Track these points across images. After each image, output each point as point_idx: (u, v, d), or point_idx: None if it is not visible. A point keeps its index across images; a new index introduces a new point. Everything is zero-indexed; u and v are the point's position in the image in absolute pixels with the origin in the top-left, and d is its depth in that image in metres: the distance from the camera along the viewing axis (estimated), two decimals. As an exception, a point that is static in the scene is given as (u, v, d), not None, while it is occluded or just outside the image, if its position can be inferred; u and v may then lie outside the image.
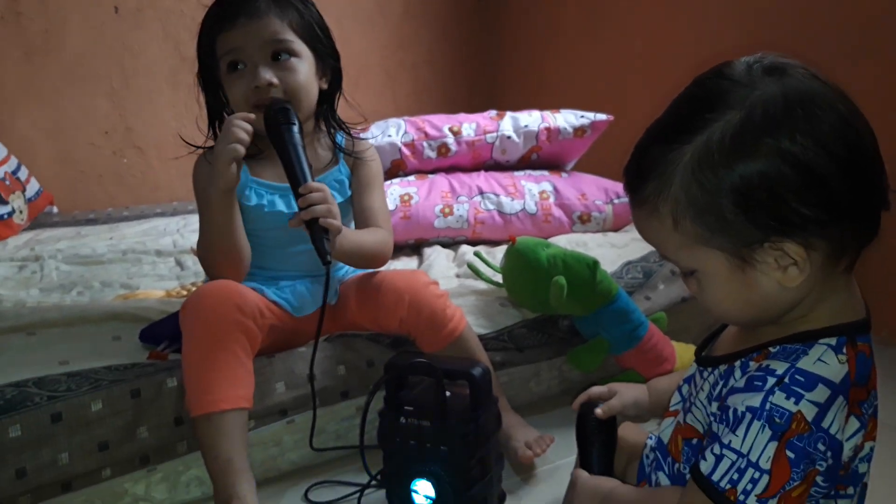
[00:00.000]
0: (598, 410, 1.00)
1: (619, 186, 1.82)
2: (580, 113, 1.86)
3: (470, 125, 1.82)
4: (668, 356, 1.37)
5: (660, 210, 0.73)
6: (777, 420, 0.69)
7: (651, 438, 1.00)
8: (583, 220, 1.78)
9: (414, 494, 1.04)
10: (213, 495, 1.03)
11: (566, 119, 1.85)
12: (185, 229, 2.07)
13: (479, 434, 1.02)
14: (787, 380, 0.70)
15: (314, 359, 1.14)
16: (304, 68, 1.17)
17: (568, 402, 1.07)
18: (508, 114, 1.86)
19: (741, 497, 0.70)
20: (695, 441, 0.83)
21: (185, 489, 1.14)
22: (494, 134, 1.82)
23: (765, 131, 0.67)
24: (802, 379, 0.69)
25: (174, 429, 1.10)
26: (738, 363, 0.77)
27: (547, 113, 1.87)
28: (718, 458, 0.72)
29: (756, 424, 0.70)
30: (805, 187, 0.67)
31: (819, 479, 0.70)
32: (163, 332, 1.27)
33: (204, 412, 1.03)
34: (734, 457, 0.71)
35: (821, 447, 0.69)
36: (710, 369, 0.82)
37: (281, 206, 1.22)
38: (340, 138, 1.30)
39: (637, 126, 0.79)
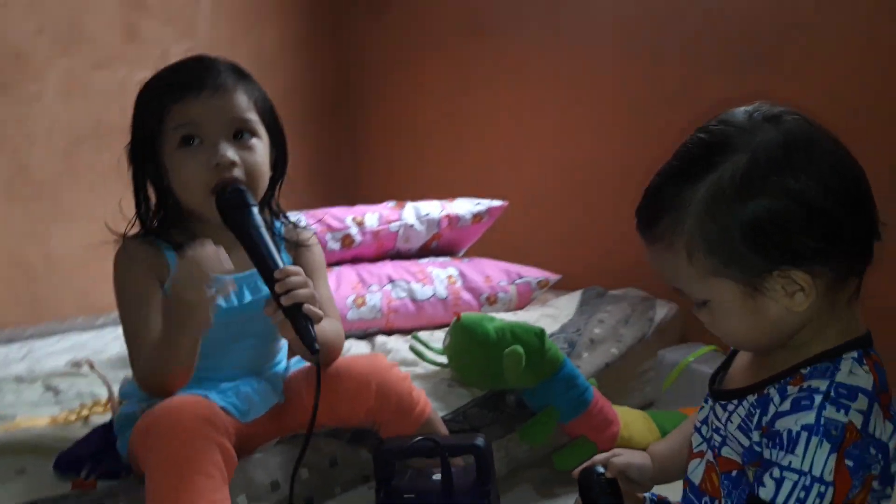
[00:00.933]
0: (602, 469, 1.00)
1: (516, 268, 1.89)
2: (476, 200, 1.94)
3: (373, 215, 1.82)
4: (613, 418, 1.40)
5: (675, 245, 0.79)
6: (833, 432, 0.72)
7: (653, 495, 1.02)
8: (490, 302, 1.81)
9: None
10: None
11: (464, 206, 1.91)
12: (31, 356, 1.80)
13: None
14: (832, 394, 0.74)
15: (303, 456, 1.00)
16: (262, 150, 1.10)
17: (517, 482, 1.05)
18: (408, 203, 1.89)
19: None
20: (734, 473, 0.85)
21: None
22: (398, 223, 1.83)
23: (770, 171, 0.75)
24: (845, 391, 0.74)
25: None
26: (772, 390, 0.80)
27: (444, 201, 1.92)
28: (779, 482, 0.74)
29: (814, 440, 0.73)
30: (808, 221, 0.74)
31: (874, 483, 0.75)
32: (80, 456, 1.09)
33: None
34: (796, 476, 0.73)
35: (872, 451, 0.74)
36: (734, 402, 0.85)
37: (220, 300, 1.10)
38: (279, 227, 1.23)
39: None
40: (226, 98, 1.06)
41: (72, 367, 1.59)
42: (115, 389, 1.31)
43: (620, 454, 1.04)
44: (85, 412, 1.31)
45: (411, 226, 1.85)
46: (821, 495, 0.72)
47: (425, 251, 1.91)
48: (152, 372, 1.01)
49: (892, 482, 0.78)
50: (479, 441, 0.99)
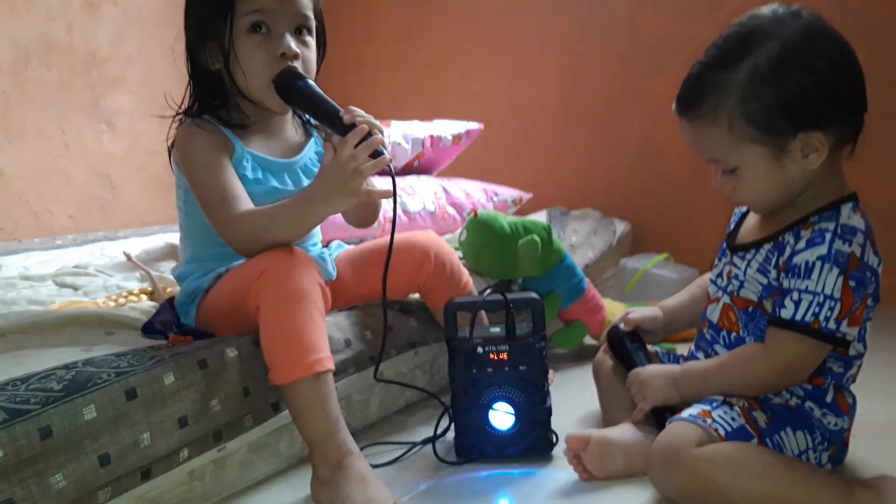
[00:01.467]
0: (622, 325, 1.21)
1: (493, 186, 2.07)
2: (455, 122, 2.08)
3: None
4: (602, 305, 1.63)
5: (719, 119, 0.98)
6: (841, 260, 0.96)
7: (663, 351, 1.24)
8: (472, 216, 1.98)
9: (493, 419, 1.12)
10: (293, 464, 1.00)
11: (445, 127, 2.05)
12: (28, 260, 1.78)
13: (546, 351, 1.15)
14: (839, 231, 0.98)
15: (385, 302, 1.12)
16: (314, 46, 1.18)
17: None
18: (393, 122, 2.00)
19: (823, 323, 0.95)
20: (750, 309, 1.07)
21: (251, 467, 1.06)
22: (387, 140, 1.94)
23: (798, 53, 0.96)
24: (847, 230, 0.98)
25: (243, 400, 1.03)
26: (786, 236, 1.02)
27: (425, 123, 2.05)
28: (797, 302, 0.97)
29: (826, 266, 0.96)
30: (826, 91, 0.96)
31: (869, 301, 1.00)
32: (164, 321, 1.16)
33: (312, 372, 0.99)
34: (811, 297, 0.96)
35: (868, 274, 0.98)
36: (752, 251, 1.07)
37: (274, 181, 1.20)
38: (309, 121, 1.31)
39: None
40: None
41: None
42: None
43: (634, 311, 1.25)
44: (133, 298, 1.36)
45: (398, 144, 1.97)
46: (831, 308, 0.96)
47: (408, 169, 2.04)
48: (260, 238, 1.06)
49: (878, 300, 1.03)
50: (535, 296, 1.16)
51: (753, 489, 0.91)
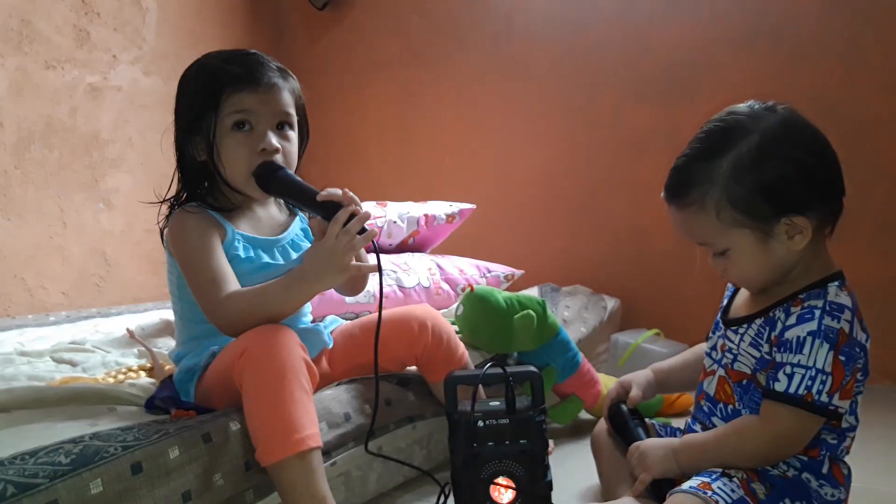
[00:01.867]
0: (623, 405, 1.23)
1: (485, 263, 2.11)
2: (448, 202, 2.15)
3: (362, 210, 1.97)
4: (597, 379, 1.64)
5: (706, 207, 1.05)
6: (831, 336, 1.00)
7: (659, 424, 1.26)
8: (464, 292, 2.01)
9: (493, 495, 1.12)
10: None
11: (438, 207, 2.11)
12: (22, 336, 1.78)
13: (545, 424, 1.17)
14: (827, 308, 1.02)
15: (377, 376, 1.15)
16: (296, 139, 1.25)
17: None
18: (389, 203, 2.06)
19: (816, 396, 0.98)
20: (745, 381, 1.10)
21: (251, 545, 1.04)
22: (383, 219, 2.00)
23: (776, 144, 1.04)
24: (836, 307, 1.02)
25: (244, 474, 1.03)
26: (777, 312, 1.06)
27: (419, 203, 2.11)
28: (790, 376, 1.00)
29: (817, 342, 1.00)
30: (804, 177, 1.03)
31: (859, 375, 1.03)
32: (165, 398, 1.17)
33: (296, 451, 0.99)
34: (803, 370, 1.00)
35: (857, 349, 1.02)
36: (744, 325, 1.11)
37: (265, 257, 1.24)
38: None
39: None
40: (276, 94, 1.20)
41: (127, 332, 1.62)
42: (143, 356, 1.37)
43: (630, 381, 1.28)
44: (132, 375, 1.36)
45: (394, 222, 2.02)
46: (823, 382, 0.99)
47: (403, 246, 2.08)
48: (251, 314, 1.09)
49: (867, 374, 1.07)
50: (534, 369, 1.18)
51: None
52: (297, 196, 1.17)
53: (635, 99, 2.43)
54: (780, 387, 1.01)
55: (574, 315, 1.91)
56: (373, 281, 1.74)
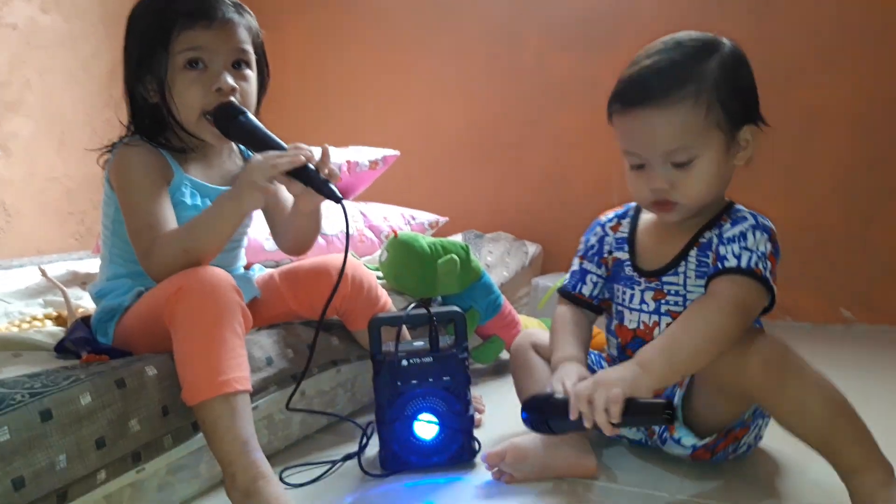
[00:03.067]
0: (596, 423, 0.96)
1: (409, 210, 2.11)
2: (372, 148, 2.11)
3: (282, 156, 1.92)
4: (518, 320, 1.68)
5: (699, 101, 1.01)
6: (767, 228, 1.05)
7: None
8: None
9: (417, 431, 1.14)
10: (213, 486, 0.99)
11: (361, 153, 2.08)
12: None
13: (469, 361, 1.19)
14: (758, 215, 1.07)
15: (321, 325, 1.15)
16: (254, 79, 1.20)
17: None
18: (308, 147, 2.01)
19: (764, 272, 1.01)
20: None
21: (170, 490, 1.03)
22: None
23: (743, 57, 1.07)
24: (762, 216, 1.07)
25: (162, 419, 1.00)
26: (707, 234, 1.09)
27: (341, 148, 2.07)
28: (739, 256, 1.02)
29: (758, 232, 1.04)
30: (755, 93, 1.07)
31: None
32: (77, 340, 1.12)
33: (220, 393, 0.97)
34: (749, 252, 1.02)
35: (779, 247, 1.06)
36: (681, 264, 1.10)
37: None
38: (245, 151, 1.32)
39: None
40: (231, 30, 1.14)
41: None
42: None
43: (565, 373, 1.07)
44: (37, 324, 1.30)
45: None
46: (765, 265, 1.02)
47: (324, 194, 2.05)
48: (184, 252, 1.06)
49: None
50: (458, 310, 1.20)
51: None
52: (260, 145, 1.11)
53: (557, 46, 2.44)
54: (730, 264, 1.02)
55: (497, 260, 1.94)
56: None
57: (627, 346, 1.17)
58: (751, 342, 0.98)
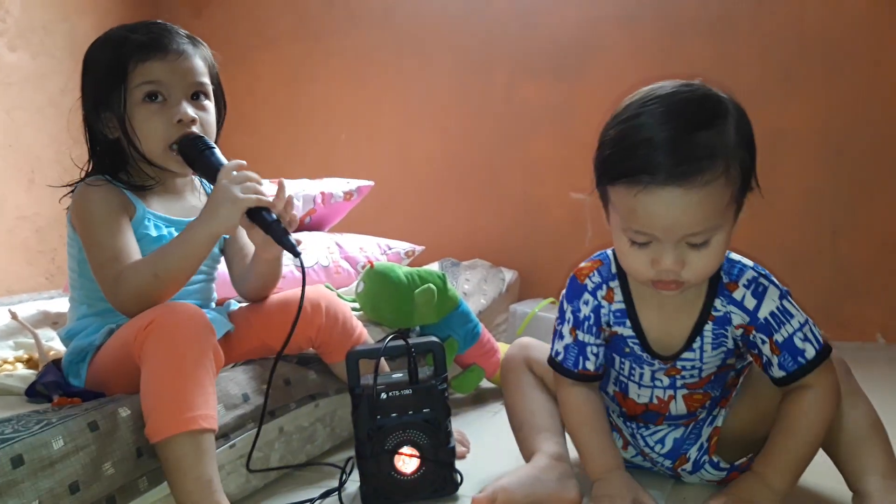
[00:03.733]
0: None
1: (385, 240, 2.10)
2: (346, 179, 2.12)
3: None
4: (497, 348, 1.68)
5: (728, 180, 0.90)
6: (784, 287, 1.02)
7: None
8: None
9: (398, 464, 1.13)
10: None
11: (335, 184, 2.08)
12: None
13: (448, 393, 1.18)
14: (758, 269, 1.03)
15: (274, 369, 1.14)
16: (212, 109, 1.21)
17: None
18: (283, 180, 2.00)
19: (823, 339, 1.00)
20: (714, 377, 1.09)
21: (147, 534, 1.00)
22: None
23: (747, 118, 0.96)
24: (756, 264, 1.05)
25: (136, 461, 0.98)
26: (720, 308, 1.02)
27: (315, 180, 2.07)
28: (805, 339, 0.98)
29: (787, 300, 1.01)
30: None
31: None
32: (48, 384, 1.10)
33: (185, 430, 0.96)
34: (805, 327, 0.99)
35: None
36: (696, 341, 1.04)
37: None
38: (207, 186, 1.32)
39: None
40: (187, 62, 1.17)
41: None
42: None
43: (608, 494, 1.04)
44: (7, 367, 1.27)
45: (289, 201, 1.97)
46: (813, 324, 1.01)
47: (299, 226, 2.04)
48: (154, 277, 1.05)
49: None
50: (436, 340, 1.19)
51: None
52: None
53: (527, 75, 2.48)
54: (809, 353, 0.98)
55: (474, 288, 1.94)
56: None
57: (639, 417, 1.15)
58: None
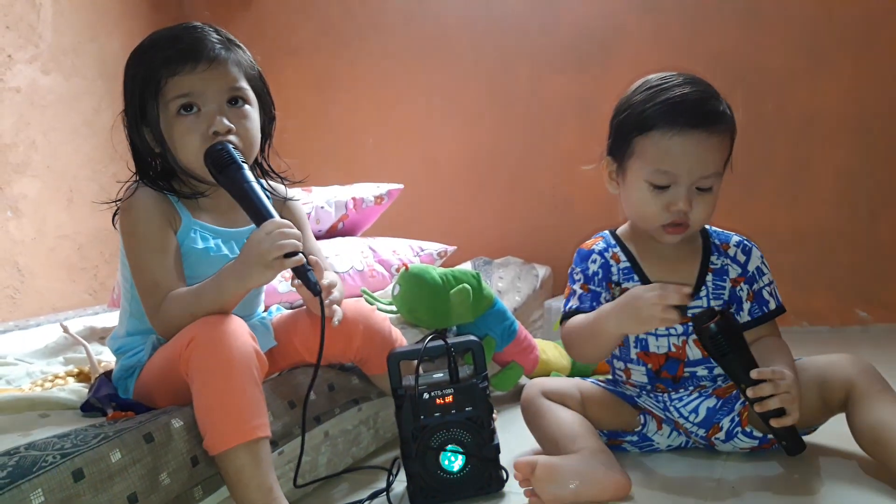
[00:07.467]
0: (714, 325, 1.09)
1: (417, 242, 2.12)
2: (376, 184, 2.14)
3: (288, 198, 1.94)
4: (534, 345, 1.68)
5: (732, 135, 1.17)
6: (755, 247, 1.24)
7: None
8: (399, 272, 2.02)
9: (444, 462, 1.14)
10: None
11: (366, 189, 2.10)
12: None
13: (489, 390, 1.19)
14: (734, 233, 1.25)
15: (313, 383, 1.15)
16: (254, 115, 1.19)
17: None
18: (313, 188, 2.03)
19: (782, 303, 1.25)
20: None
21: (204, 541, 1.03)
22: (310, 205, 1.97)
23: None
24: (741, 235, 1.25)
25: (191, 471, 1.01)
26: (716, 262, 1.24)
27: (345, 186, 2.10)
28: (771, 292, 1.24)
29: (764, 262, 1.25)
30: None
31: None
32: (103, 398, 1.14)
33: (244, 440, 0.98)
34: (771, 287, 1.25)
35: None
36: (701, 289, 1.24)
37: (224, 250, 1.21)
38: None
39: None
40: (220, 69, 1.14)
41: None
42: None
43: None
44: (59, 382, 1.31)
45: (322, 207, 2.00)
46: (775, 288, 1.26)
47: (332, 231, 2.06)
48: (190, 316, 1.05)
49: None
50: (475, 339, 1.20)
51: None
52: (245, 202, 1.11)
53: (551, 69, 2.47)
54: (772, 305, 1.23)
55: (508, 285, 1.95)
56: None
57: (662, 368, 1.24)
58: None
